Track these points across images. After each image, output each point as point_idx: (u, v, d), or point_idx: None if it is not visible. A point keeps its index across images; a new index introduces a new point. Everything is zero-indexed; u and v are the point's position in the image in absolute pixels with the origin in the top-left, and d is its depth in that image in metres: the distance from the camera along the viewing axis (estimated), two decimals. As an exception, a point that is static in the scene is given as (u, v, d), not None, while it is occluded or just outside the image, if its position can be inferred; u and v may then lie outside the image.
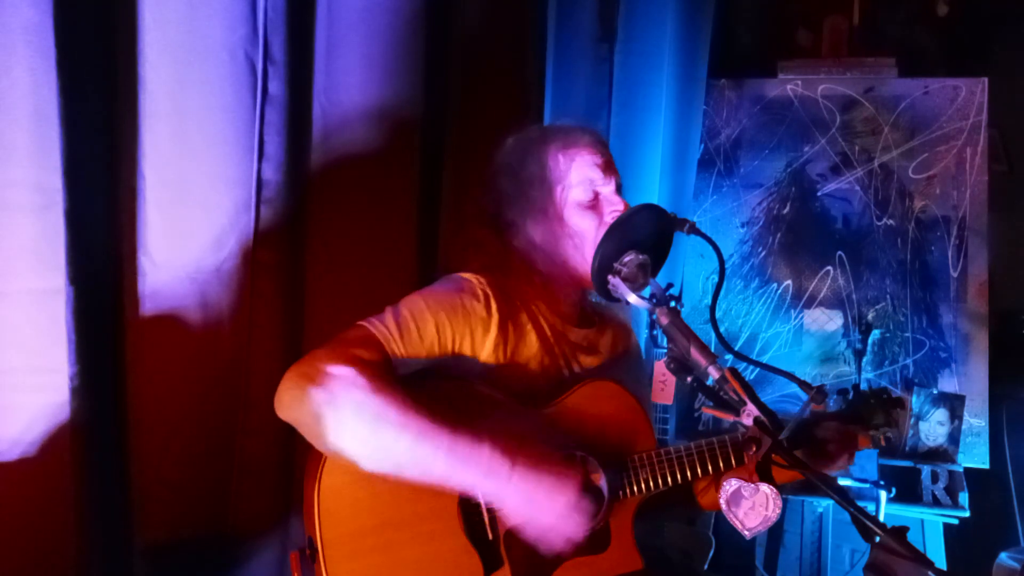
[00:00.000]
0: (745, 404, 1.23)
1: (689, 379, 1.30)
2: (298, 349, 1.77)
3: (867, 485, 2.50)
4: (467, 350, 1.44)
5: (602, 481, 1.43)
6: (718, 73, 3.09)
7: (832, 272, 2.95)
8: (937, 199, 2.91)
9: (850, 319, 2.91)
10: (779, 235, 3.02)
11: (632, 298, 1.37)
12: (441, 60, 2.01)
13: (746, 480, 1.33)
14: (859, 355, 2.79)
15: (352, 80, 1.84)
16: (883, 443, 1.61)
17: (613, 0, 2.56)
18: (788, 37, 3.34)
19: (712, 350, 1.27)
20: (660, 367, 2.49)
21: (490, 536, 1.39)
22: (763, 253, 3.02)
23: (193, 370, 1.67)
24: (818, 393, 1.25)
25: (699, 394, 2.84)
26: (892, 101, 2.99)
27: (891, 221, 2.94)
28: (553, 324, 1.56)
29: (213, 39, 1.62)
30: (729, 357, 2.19)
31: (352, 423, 1.28)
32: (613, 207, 1.51)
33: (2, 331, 1.44)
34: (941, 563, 2.65)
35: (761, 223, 3.04)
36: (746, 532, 1.35)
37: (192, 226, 1.65)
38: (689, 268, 3.00)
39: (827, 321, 2.94)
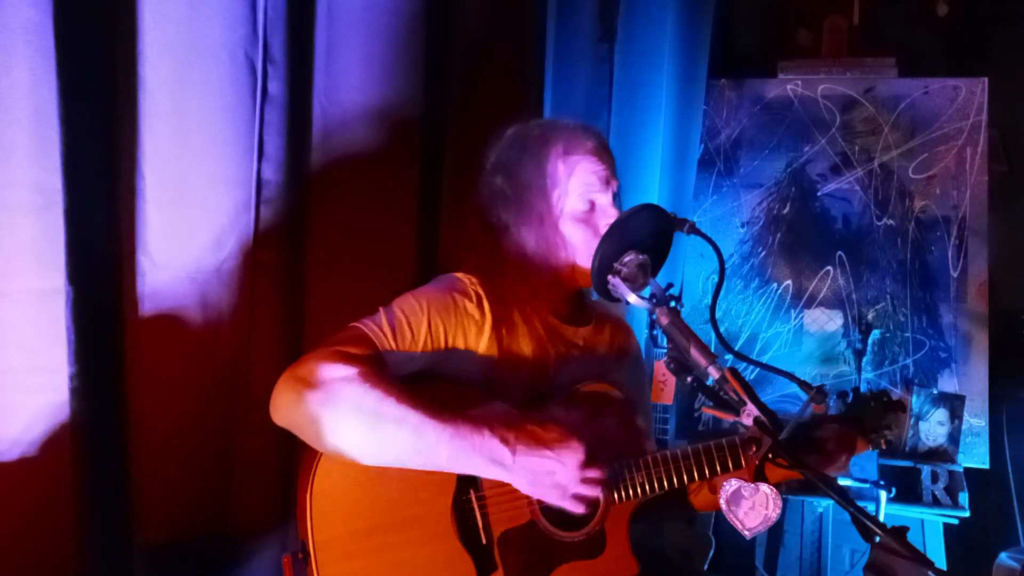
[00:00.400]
0: (745, 404, 1.23)
1: (689, 379, 1.30)
2: (298, 349, 1.77)
3: (867, 485, 2.50)
4: (461, 348, 1.44)
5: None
6: (718, 73, 3.09)
7: (832, 272, 2.96)
8: (937, 199, 2.91)
9: (850, 319, 2.91)
10: (779, 235, 3.02)
11: (632, 298, 1.36)
12: (441, 60, 2.01)
13: (746, 480, 1.33)
14: (859, 355, 2.79)
15: (352, 80, 1.84)
16: (883, 446, 1.60)
17: (613, 0, 2.56)
18: (788, 37, 3.34)
19: (712, 350, 1.27)
20: (660, 367, 2.50)
21: (484, 540, 1.39)
22: (763, 253, 3.02)
23: (193, 370, 1.67)
24: (818, 393, 1.24)
25: (699, 394, 2.84)
26: (892, 101, 2.99)
27: (891, 221, 2.94)
28: (548, 323, 1.55)
29: (213, 39, 1.62)
30: (729, 357, 2.18)
31: (350, 420, 1.28)
32: (608, 220, 1.49)
33: (2, 331, 1.44)
34: (941, 563, 2.65)
35: (761, 223, 3.04)
36: (746, 532, 1.35)
37: (192, 226, 1.65)
38: (689, 268, 3.00)
39: (827, 321, 2.94)
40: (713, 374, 1.25)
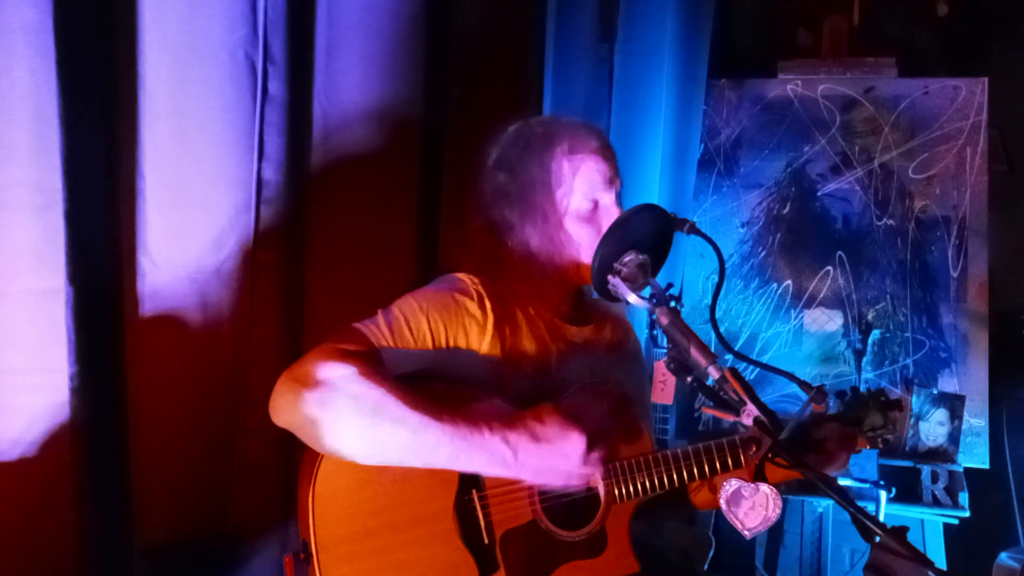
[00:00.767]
0: (745, 404, 1.23)
1: (689, 379, 1.30)
2: (298, 349, 1.77)
3: (867, 485, 2.50)
4: (463, 347, 1.44)
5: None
6: (718, 73, 3.09)
7: (832, 272, 2.95)
8: (937, 199, 2.91)
9: (850, 319, 2.91)
10: (779, 235, 3.02)
11: (632, 298, 1.36)
12: (441, 60, 2.01)
13: (746, 480, 1.33)
14: (859, 355, 2.79)
15: (352, 80, 1.84)
16: (881, 445, 1.60)
17: (613, 0, 2.56)
18: (788, 37, 3.33)
19: (712, 350, 1.27)
20: (660, 367, 2.50)
21: (486, 540, 1.39)
22: (763, 253, 3.02)
23: (193, 370, 1.67)
24: (818, 393, 1.24)
25: (699, 394, 2.84)
26: (892, 101, 2.99)
27: (891, 221, 2.94)
28: (549, 323, 1.55)
29: (213, 39, 1.62)
30: (729, 357, 2.18)
31: (350, 420, 1.28)
32: (611, 219, 1.48)
33: (2, 331, 1.44)
34: (941, 563, 2.65)
35: (761, 223, 3.04)
36: (746, 532, 1.35)
37: (192, 226, 1.65)
38: (689, 268, 3.00)
39: (827, 321, 2.94)
40: (713, 374, 1.24)
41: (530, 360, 1.50)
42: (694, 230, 1.44)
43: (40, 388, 1.46)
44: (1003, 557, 2.36)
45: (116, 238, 1.59)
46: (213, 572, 1.73)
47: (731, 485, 1.35)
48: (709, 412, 2.85)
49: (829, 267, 2.96)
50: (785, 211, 3.03)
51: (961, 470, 2.69)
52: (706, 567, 2.58)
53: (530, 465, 1.33)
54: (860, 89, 3.02)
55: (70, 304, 1.46)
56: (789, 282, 2.98)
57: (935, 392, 2.75)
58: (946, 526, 2.71)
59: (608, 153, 1.55)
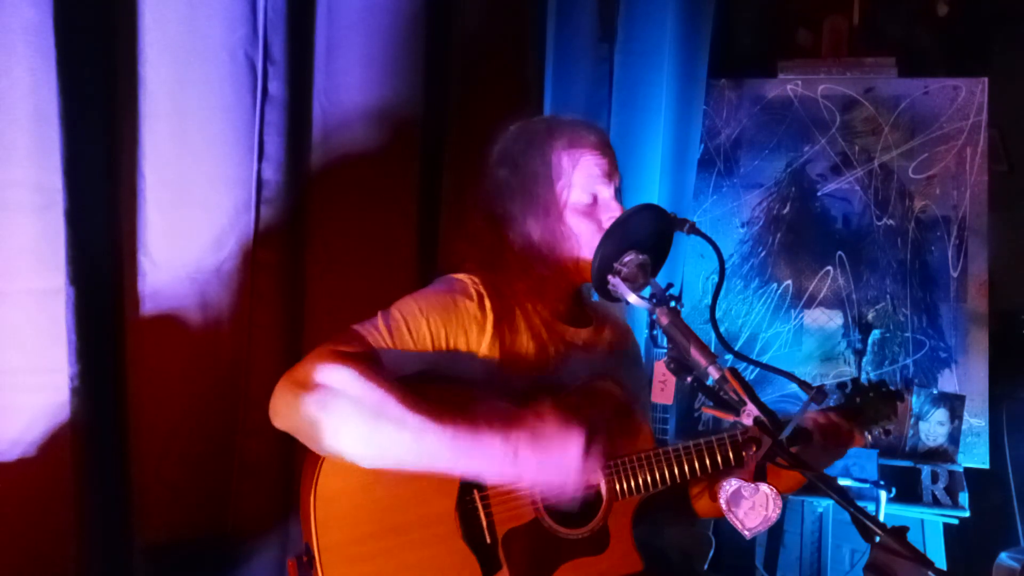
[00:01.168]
0: (745, 404, 1.23)
1: (689, 379, 1.30)
2: (298, 349, 1.77)
3: (867, 485, 2.51)
4: (463, 349, 1.44)
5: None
6: (718, 73, 3.09)
7: (832, 272, 2.96)
8: (937, 199, 2.91)
9: (850, 319, 2.91)
10: (779, 235, 3.02)
11: (632, 298, 1.36)
12: (441, 60, 2.01)
13: (746, 480, 1.33)
14: (859, 355, 2.79)
15: (352, 80, 1.84)
16: (883, 436, 1.61)
17: (613, 0, 2.56)
18: (788, 37, 3.34)
19: (712, 350, 1.27)
20: (660, 367, 2.49)
21: (488, 540, 1.39)
22: (763, 253, 3.02)
23: (193, 370, 1.67)
24: (818, 393, 1.24)
25: (699, 394, 2.84)
26: (892, 101, 2.99)
27: (891, 221, 2.94)
28: (548, 323, 1.55)
29: (213, 39, 1.62)
30: (729, 357, 2.18)
31: (350, 423, 1.28)
32: (610, 213, 1.50)
33: (2, 331, 1.44)
34: (941, 563, 2.65)
35: (761, 223, 3.04)
36: (746, 532, 1.34)
37: (192, 226, 1.65)
38: (689, 268, 3.00)
39: (827, 321, 2.94)
40: (713, 374, 1.24)
41: (529, 360, 1.50)
42: (694, 230, 1.44)
43: (40, 388, 1.46)
44: (1003, 557, 2.36)
45: (116, 238, 1.59)
46: (213, 572, 1.73)
47: (731, 485, 1.35)
48: (709, 412, 2.85)
49: (829, 267, 2.96)
50: (785, 211, 3.03)
51: (961, 470, 2.69)
52: (706, 567, 2.58)
53: (531, 462, 1.33)
54: (860, 89, 3.02)
55: (70, 304, 1.46)
56: (789, 282, 2.98)
57: (935, 392, 2.75)
58: (946, 526, 2.71)
59: (607, 149, 1.56)
